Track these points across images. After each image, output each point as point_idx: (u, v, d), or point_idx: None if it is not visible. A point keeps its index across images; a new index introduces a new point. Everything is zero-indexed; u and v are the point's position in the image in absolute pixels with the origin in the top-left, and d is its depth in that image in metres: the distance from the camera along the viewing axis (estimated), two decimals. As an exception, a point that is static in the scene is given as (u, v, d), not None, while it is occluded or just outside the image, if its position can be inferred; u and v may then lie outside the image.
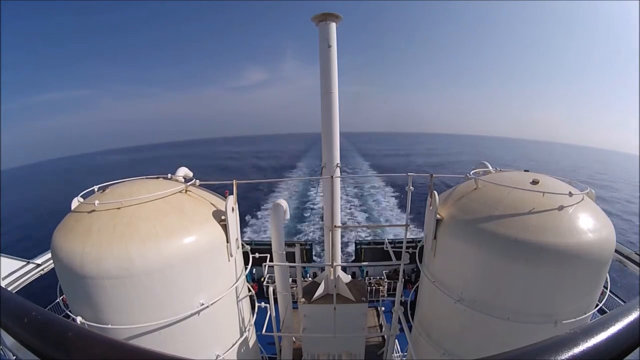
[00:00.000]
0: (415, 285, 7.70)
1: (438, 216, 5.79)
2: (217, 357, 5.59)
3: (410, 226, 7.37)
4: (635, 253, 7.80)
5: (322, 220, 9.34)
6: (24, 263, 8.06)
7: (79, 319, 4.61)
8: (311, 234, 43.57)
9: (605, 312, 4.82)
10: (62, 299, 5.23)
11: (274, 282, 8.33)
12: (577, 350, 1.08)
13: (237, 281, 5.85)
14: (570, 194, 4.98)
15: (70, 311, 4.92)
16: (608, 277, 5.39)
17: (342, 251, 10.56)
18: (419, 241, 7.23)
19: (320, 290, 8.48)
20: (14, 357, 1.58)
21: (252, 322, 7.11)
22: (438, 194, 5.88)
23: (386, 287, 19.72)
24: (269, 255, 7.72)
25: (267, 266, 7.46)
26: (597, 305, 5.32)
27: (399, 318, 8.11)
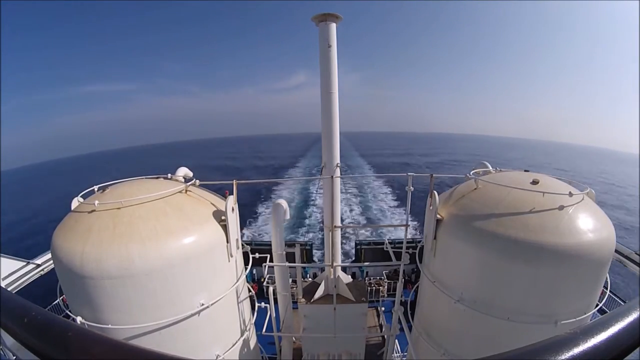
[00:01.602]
0: (415, 285, 7.69)
1: (438, 216, 5.79)
2: (217, 357, 5.59)
3: (410, 226, 7.37)
4: (635, 253, 7.79)
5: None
6: (24, 263, 8.05)
7: (79, 319, 4.62)
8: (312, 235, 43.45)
9: (605, 312, 4.81)
10: (62, 299, 5.23)
11: (274, 282, 8.33)
12: (577, 350, 1.08)
13: (237, 281, 5.84)
14: (570, 194, 4.98)
15: (70, 311, 4.92)
16: (608, 277, 5.39)
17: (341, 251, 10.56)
18: (419, 241, 7.22)
19: (320, 291, 8.48)
20: (14, 357, 1.58)
21: (252, 322, 7.10)
22: (438, 194, 5.88)
23: (386, 287, 19.72)
24: (269, 256, 7.71)
25: (267, 266, 7.47)
26: (597, 305, 5.32)
27: (399, 318, 8.11)
